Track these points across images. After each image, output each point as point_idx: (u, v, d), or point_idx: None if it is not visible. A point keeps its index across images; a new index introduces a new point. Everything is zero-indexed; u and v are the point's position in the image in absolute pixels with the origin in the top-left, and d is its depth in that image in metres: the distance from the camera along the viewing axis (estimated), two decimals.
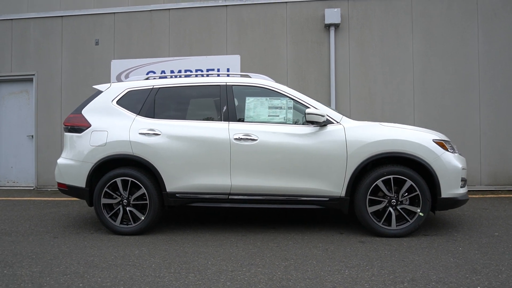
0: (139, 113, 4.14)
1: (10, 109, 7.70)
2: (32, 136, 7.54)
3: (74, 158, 4.14)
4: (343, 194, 3.80)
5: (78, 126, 4.19)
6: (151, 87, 4.25)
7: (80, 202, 5.93)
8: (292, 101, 4.02)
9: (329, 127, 3.87)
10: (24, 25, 7.56)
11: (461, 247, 3.46)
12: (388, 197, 3.78)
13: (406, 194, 3.77)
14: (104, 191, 4.02)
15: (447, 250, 3.38)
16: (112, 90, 4.30)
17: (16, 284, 2.75)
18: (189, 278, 2.82)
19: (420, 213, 3.73)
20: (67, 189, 4.20)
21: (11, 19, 7.58)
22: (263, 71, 6.43)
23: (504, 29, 6.54)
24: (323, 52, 6.88)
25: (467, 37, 6.61)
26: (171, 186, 3.95)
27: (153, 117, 4.10)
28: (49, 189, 7.35)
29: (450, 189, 3.76)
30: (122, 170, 4.01)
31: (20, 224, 4.59)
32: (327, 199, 3.83)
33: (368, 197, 3.77)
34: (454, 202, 3.82)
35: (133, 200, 4.01)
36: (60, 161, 4.24)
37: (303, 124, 3.96)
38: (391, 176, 3.75)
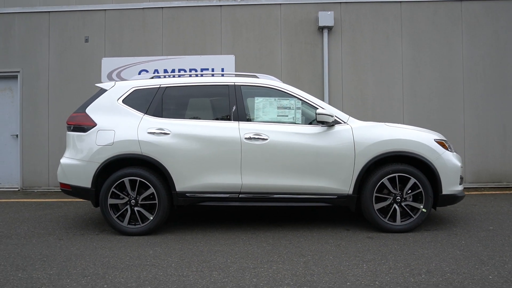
0: (146, 112, 4.10)
1: None
2: (17, 135, 7.25)
3: (79, 158, 4.04)
4: (350, 191, 3.93)
5: (83, 125, 4.10)
6: (158, 86, 4.22)
7: (74, 203, 5.77)
8: (300, 101, 4.11)
9: (337, 127, 3.99)
10: (8, 20, 7.26)
11: (463, 240, 3.66)
12: (393, 194, 3.94)
13: (410, 191, 3.95)
14: (111, 191, 3.96)
15: (451, 243, 3.57)
16: (117, 89, 4.23)
17: (36, 287, 2.68)
18: (214, 276, 2.85)
19: (423, 209, 3.92)
20: (71, 190, 4.10)
21: None
22: (258, 72, 6.45)
23: (486, 36, 6.92)
24: (316, 53, 7.03)
25: (452, 43, 6.95)
26: (181, 185, 3.94)
27: (161, 117, 4.08)
28: (35, 191, 7.09)
29: (450, 186, 3.97)
30: (130, 170, 3.96)
31: (18, 227, 4.43)
32: (336, 196, 3.94)
33: (375, 194, 3.92)
34: (454, 199, 4.03)
35: (141, 200, 3.97)
36: (64, 160, 4.13)
37: (311, 124, 4.06)
38: (396, 174, 3.91)
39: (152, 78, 4.40)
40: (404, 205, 3.95)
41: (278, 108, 4.10)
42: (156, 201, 3.95)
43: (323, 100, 6.94)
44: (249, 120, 4.06)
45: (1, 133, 7.35)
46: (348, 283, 2.69)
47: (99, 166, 3.97)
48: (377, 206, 3.93)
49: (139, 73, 7.02)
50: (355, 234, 3.94)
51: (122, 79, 6.84)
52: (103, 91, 4.27)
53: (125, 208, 3.98)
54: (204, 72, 6.95)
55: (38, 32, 7.23)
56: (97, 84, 4.43)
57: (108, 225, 4.05)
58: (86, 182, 4.00)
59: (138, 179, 3.95)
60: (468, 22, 6.94)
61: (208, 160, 3.93)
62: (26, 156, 7.16)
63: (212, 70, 7.01)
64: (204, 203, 4.01)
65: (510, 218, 4.54)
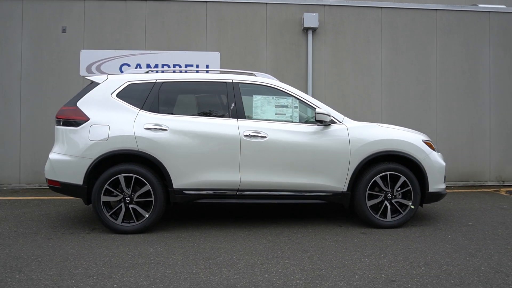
0: (142, 107, 4.00)
1: None
2: None
3: (70, 154, 3.87)
4: (345, 189, 4.07)
5: (74, 119, 3.93)
6: (154, 81, 4.13)
7: (53, 201, 5.50)
8: (297, 100, 4.19)
9: (333, 126, 4.11)
10: None
11: (449, 235, 3.91)
12: (385, 192, 4.13)
13: (399, 189, 4.15)
14: (104, 188, 3.83)
15: (439, 238, 3.80)
16: (111, 83, 4.10)
17: None
18: (224, 273, 2.86)
19: (412, 206, 4.14)
20: (60, 187, 3.92)
21: None
22: (243, 69, 6.49)
23: (457, 44, 7.37)
24: (300, 54, 7.15)
25: (427, 49, 7.33)
26: (178, 182, 3.89)
27: (158, 112, 4.00)
28: (5, 188, 6.67)
29: (436, 184, 4.22)
30: (126, 166, 3.86)
31: None
32: (331, 194, 4.07)
33: (367, 192, 4.08)
34: (439, 196, 4.29)
35: (137, 197, 3.88)
36: (53, 156, 3.94)
37: (307, 122, 4.16)
38: (388, 173, 4.10)
39: (147, 72, 4.30)
40: (394, 202, 4.15)
41: (276, 106, 4.16)
42: (152, 199, 3.87)
43: None
44: (247, 117, 4.08)
45: None
46: (356, 276, 2.80)
47: (92, 162, 3.82)
48: (370, 203, 4.10)
49: (120, 67, 6.80)
50: (349, 230, 4.08)
51: (103, 73, 6.59)
52: (95, 84, 4.11)
53: (119, 205, 3.87)
54: (189, 68, 6.86)
55: (10, 20, 6.78)
56: (87, 77, 4.26)
57: (101, 223, 3.92)
58: (77, 178, 3.85)
59: (134, 175, 3.85)
60: (442, 30, 7.36)
61: (206, 157, 3.92)
62: None
63: (197, 66, 6.92)
64: (201, 200, 3.98)
65: (484, 214, 4.89)
